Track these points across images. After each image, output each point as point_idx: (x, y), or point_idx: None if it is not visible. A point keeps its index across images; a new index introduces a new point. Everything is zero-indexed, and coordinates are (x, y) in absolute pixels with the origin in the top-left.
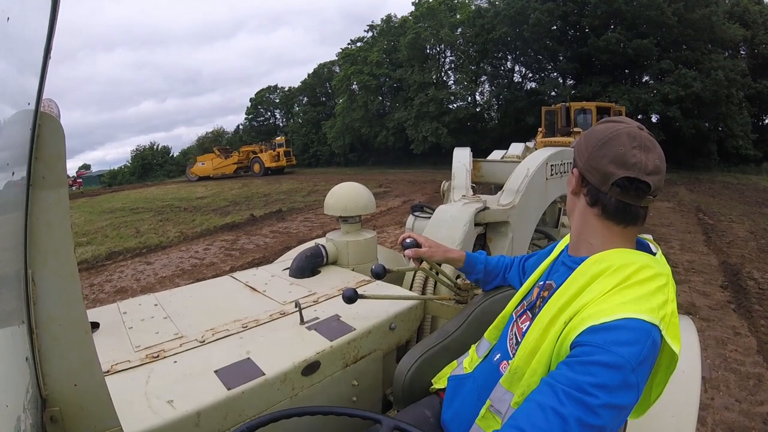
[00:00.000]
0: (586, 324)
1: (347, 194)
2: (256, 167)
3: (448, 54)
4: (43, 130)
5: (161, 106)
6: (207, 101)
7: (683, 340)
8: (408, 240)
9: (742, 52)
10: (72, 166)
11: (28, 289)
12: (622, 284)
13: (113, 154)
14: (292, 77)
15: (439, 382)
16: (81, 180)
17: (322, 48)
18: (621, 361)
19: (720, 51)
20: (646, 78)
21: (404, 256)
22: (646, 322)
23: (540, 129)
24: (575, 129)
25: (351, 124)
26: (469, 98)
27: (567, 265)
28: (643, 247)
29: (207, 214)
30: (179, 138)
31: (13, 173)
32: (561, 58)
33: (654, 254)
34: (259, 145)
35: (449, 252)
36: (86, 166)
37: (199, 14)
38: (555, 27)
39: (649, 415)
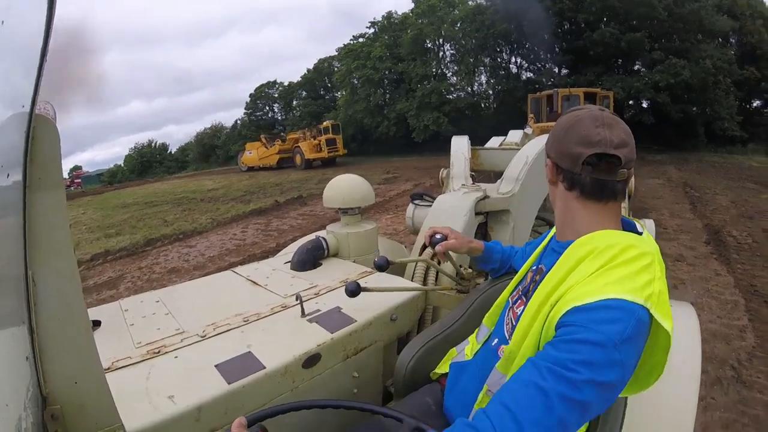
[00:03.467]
0: (569, 305)
1: (346, 186)
2: (298, 159)
3: (447, 47)
4: (38, 132)
5: (149, 105)
6: (196, 99)
7: (683, 328)
8: (438, 236)
9: (732, 40)
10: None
11: (29, 289)
12: (606, 266)
13: (102, 155)
14: (282, 73)
15: (440, 368)
16: (80, 180)
17: (312, 44)
18: (603, 338)
19: (708, 41)
20: (638, 66)
21: (434, 251)
22: (629, 301)
23: (530, 116)
24: None
25: (354, 116)
26: (468, 89)
27: (555, 250)
28: (629, 227)
29: (228, 203)
30: (170, 136)
31: (8, 175)
32: (557, 50)
33: (640, 234)
34: (303, 131)
35: (471, 242)
36: (78, 167)
37: (189, 13)
38: (552, 22)
39: (647, 410)
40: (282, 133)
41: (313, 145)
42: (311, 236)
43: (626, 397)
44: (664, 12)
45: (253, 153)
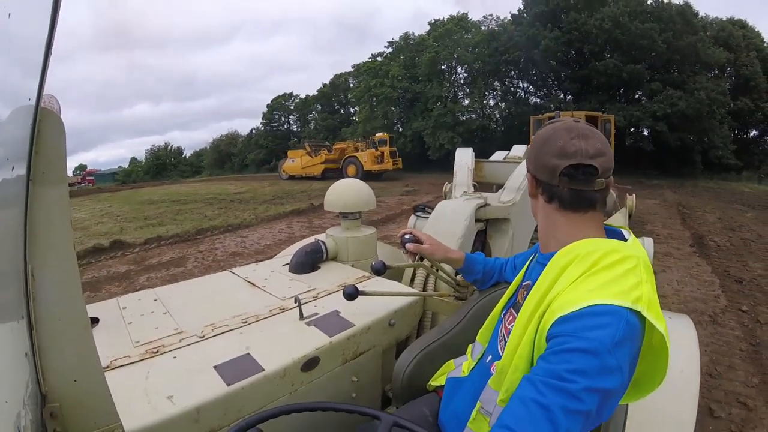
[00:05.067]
0: (555, 315)
1: (347, 191)
2: (351, 170)
3: (460, 70)
4: (43, 125)
5: (156, 109)
6: (201, 106)
7: (681, 339)
8: (407, 236)
9: (729, 69)
10: (68, 166)
11: (28, 284)
12: (588, 271)
13: (106, 156)
14: (285, 83)
15: (437, 380)
16: (92, 177)
17: (315, 55)
18: (594, 344)
19: (704, 73)
20: (638, 95)
21: (405, 250)
22: (615, 305)
23: (532, 137)
24: None
25: (372, 132)
26: (480, 111)
27: (540, 263)
28: (615, 234)
29: (263, 204)
30: (174, 141)
31: (13, 168)
32: (563, 77)
33: (626, 240)
34: (354, 142)
35: (450, 252)
36: (83, 167)
37: (196, 19)
38: (560, 52)
39: (648, 415)
40: (327, 142)
41: (375, 156)
42: (310, 239)
43: (626, 408)
44: (663, 45)
45: (296, 161)
